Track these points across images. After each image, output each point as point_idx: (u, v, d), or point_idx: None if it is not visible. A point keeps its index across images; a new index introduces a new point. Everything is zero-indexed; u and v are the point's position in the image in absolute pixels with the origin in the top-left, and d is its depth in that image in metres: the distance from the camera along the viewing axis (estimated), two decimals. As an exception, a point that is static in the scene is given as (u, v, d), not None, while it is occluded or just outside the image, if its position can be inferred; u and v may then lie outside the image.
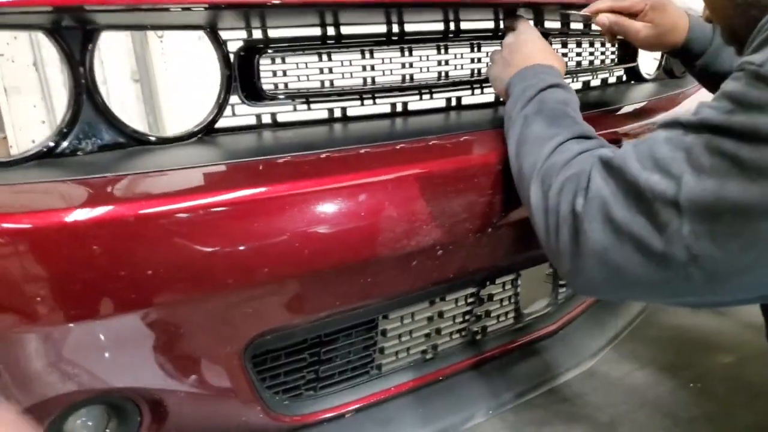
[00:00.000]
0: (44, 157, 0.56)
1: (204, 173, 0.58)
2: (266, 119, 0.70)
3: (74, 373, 0.58)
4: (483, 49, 0.84)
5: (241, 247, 0.56)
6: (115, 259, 0.51)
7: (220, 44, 0.64)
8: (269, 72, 0.69)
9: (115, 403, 0.65)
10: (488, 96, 0.87)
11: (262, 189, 0.57)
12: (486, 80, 0.85)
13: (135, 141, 0.61)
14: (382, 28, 0.75)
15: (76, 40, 0.55)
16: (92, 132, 0.58)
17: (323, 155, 0.64)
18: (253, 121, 0.70)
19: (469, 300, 0.89)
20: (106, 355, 0.58)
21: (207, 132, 0.66)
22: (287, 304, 0.63)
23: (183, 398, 0.64)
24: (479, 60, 0.85)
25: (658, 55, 1.24)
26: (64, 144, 0.57)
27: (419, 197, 0.65)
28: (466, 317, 0.90)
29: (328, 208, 0.59)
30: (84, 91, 0.56)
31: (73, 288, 0.51)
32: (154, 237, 0.52)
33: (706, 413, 0.92)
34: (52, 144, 0.56)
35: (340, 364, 0.80)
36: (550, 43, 0.83)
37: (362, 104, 0.76)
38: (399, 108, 0.79)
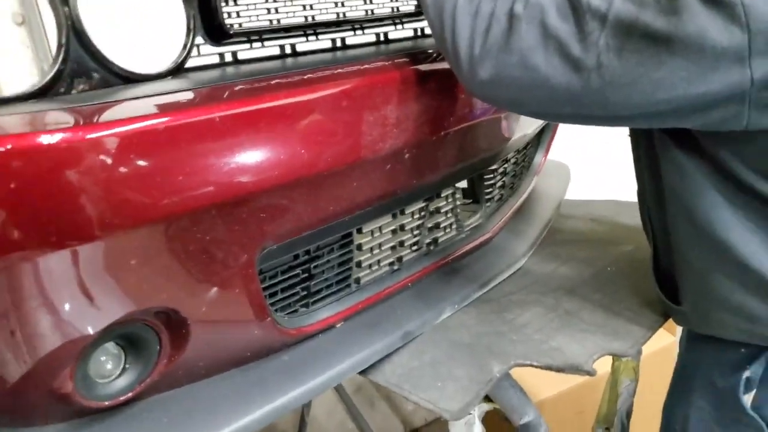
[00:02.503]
0: (39, 96, 0.59)
1: (197, 94, 0.64)
2: (228, 57, 0.76)
3: (100, 299, 0.61)
4: (399, -12, 0.96)
5: (243, 154, 0.63)
6: (145, 168, 0.55)
7: (181, -15, 0.70)
8: (226, 13, 0.75)
9: (134, 334, 0.68)
10: (408, 32, 0.99)
11: (251, 103, 0.65)
12: (403, 16, 0.97)
13: (118, 78, 0.64)
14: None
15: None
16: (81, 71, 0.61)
17: (294, 77, 0.72)
18: (216, 60, 0.75)
19: (422, 213, 1.00)
20: (132, 273, 0.61)
21: (178, 70, 0.71)
22: (290, 210, 0.70)
23: (203, 316, 0.69)
24: (397, -1, 0.96)
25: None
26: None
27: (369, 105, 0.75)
28: (421, 230, 1.01)
29: (317, 115, 0.68)
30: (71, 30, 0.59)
31: (101, 200, 0.55)
32: (176, 145, 0.57)
33: (619, 287, 1.11)
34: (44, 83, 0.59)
35: (326, 279, 0.87)
36: None
37: (307, 40, 0.84)
38: (338, 43, 0.88)
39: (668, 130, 0.75)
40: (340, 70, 0.77)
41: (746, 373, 0.78)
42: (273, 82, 0.72)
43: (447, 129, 0.88)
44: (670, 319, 0.97)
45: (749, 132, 0.65)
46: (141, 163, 0.57)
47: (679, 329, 1.03)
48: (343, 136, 0.74)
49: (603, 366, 0.96)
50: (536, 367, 0.91)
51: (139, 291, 0.64)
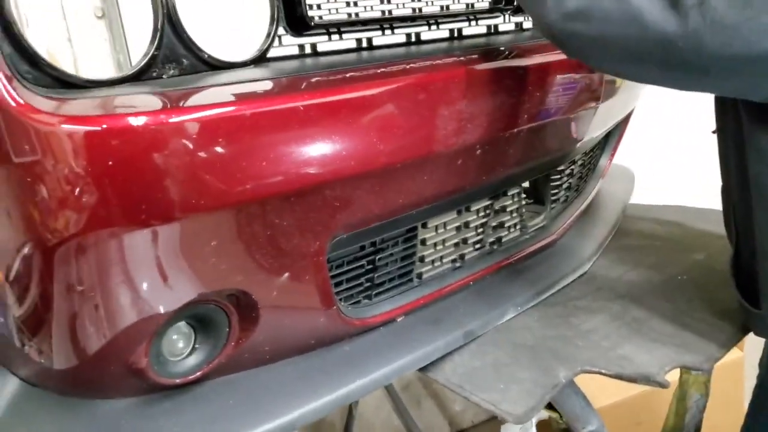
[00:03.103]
0: (133, 79, 0.61)
1: (276, 83, 0.65)
2: (308, 49, 0.77)
3: (176, 279, 0.63)
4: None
5: (320, 143, 0.64)
6: (227, 152, 0.57)
7: (266, -23, 0.71)
8: (308, 5, 0.76)
9: (206, 315, 0.70)
10: (481, 28, 0.98)
11: (337, 93, 0.66)
12: (477, 13, 0.96)
13: (206, 65, 0.66)
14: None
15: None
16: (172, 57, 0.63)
17: (371, 70, 0.72)
18: (296, 51, 0.77)
19: (486, 211, 0.99)
20: (207, 256, 0.63)
21: (261, 59, 0.73)
22: (362, 200, 0.71)
23: (272, 300, 0.70)
24: (471, -6, 0.95)
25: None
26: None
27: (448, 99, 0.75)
28: (485, 228, 1.00)
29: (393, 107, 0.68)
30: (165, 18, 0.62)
31: (183, 182, 0.57)
32: (260, 131, 0.59)
33: (692, 297, 1.06)
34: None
35: (390, 272, 0.88)
36: None
37: (383, 33, 0.84)
38: (413, 38, 0.88)
39: (757, 112, 0.71)
40: (415, 65, 0.77)
41: None
42: (350, 74, 0.72)
43: (519, 127, 0.87)
44: (740, 333, 0.93)
45: None
46: (221, 148, 0.59)
47: (748, 344, 0.98)
48: (417, 129, 0.74)
49: (671, 377, 0.92)
50: (605, 374, 0.88)
51: (213, 273, 0.65)
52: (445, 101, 0.75)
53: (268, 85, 0.65)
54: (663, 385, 0.85)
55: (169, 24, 0.61)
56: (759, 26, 0.58)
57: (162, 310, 0.65)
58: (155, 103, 0.57)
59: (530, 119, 0.87)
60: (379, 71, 0.74)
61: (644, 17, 0.62)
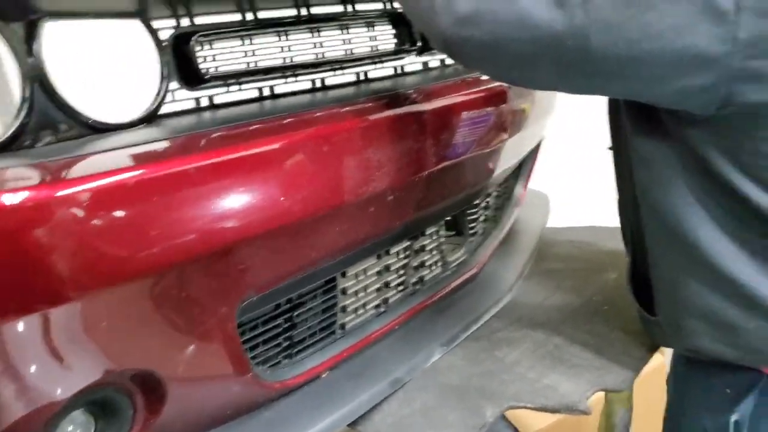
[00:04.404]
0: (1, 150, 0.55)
1: (171, 143, 0.61)
2: (204, 102, 0.74)
3: (69, 363, 0.57)
4: (377, 27, 0.95)
5: (224, 203, 0.60)
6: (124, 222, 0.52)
7: (153, 32, 0.67)
8: (201, 57, 0.72)
9: (106, 399, 0.64)
10: (388, 70, 0.98)
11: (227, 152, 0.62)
12: (383, 55, 0.96)
13: (88, 128, 0.61)
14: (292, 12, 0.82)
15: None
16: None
17: (274, 122, 0.70)
18: (192, 105, 0.73)
19: (406, 253, 0.98)
20: (103, 335, 0.57)
21: (152, 118, 0.68)
22: (272, 258, 0.67)
23: (180, 375, 0.65)
24: (375, 38, 0.95)
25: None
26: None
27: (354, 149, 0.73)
28: (406, 270, 0.99)
29: (295, 162, 0.65)
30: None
31: (71, 260, 0.51)
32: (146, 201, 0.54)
33: (608, 317, 1.09)
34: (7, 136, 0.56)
35: (311, 327, 0.84)
36: None
37: (285, 81, 0.82)
38: (318, 84, 0.86)
39: (636, 117, 0.73)
40: (319, 114, 0.75)
41: (734, 416, 0.76)
42: (250, 127, 0.69)
43: (429, 169, 0.86)
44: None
45: (725, 113, 0.63)
46: (111, 220, 0.54)
47: (668, 357, 1.02)
48: (324, 181, 0.71)
49: (597, 395, 0.94)
50: (530, 408, 0.88)
51: (111, 353, 0.60)
52: (352, 151, 0.74)
53: (155, 146, 0.61)
54: (585, 413, 0.86)
55: (40, 87, 0.56)
56: (641, 25, 0.60)
57: (53, 399, 0.58)
58: (21, 176, 0.51)
59: (440, 160, 0.87)
60: (280, 123, 0.71)
61: (533, 17, 0.62)
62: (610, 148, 0.92)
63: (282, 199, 0.67)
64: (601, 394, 1.23)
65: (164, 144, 0.63)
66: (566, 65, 0.65)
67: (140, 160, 0.58)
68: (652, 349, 1.00)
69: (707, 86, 0.62)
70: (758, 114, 0.64)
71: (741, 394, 0.76)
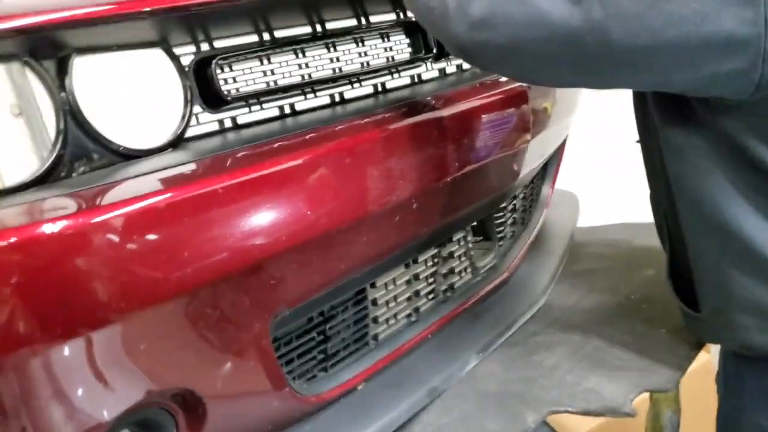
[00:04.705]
0: (39, 183, 0.58)
1: (198, 165, 0.63)
2: (228, 123, 0.75)
3: (112, 386, 0.58)
4: (392, 38, 0.96)
5: (252, 220, 0.61)
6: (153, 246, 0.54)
7: (175, 58, 0.69)
8: (222, 80, 0.74)
9: (149, 419, 0.65)
10: (404, 79, 0.98)
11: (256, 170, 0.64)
12: (399, 65, 0.96)
13: (119, 156, 0.63)
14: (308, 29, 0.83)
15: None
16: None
17: (296, 138, 0.71)
18: (216, 127, 0.74)
19: (435, 260, 0.98)
20: (144, 357, 0.59)
21: (178, 142, 0.70)
22: (301, 272, 0.68)
23: (219, 392, 0.66)
24: (391, 48, 0.96)
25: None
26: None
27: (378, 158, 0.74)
28: (435, 277, 0.99)
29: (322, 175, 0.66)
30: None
31: (109, 284, 0.53)
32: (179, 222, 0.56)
33: (647, 315, 1.06)
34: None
35: (344, 338, 0.84)
36: None
37: (305, 98, 0.83)
38: (337, 98, 0.87)
39: (667, 110, 0.71)
40: (339, 127, 0.76)
41: None
42: (273, 145, 0.70)
43: (452, 175, 0.86)
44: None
45: (759, 96, 0.61)
46: (145, 242, 0.56)
47: (714, 354, 0.99)
48: (348, 192, 0.72)
49: (643, 397, 0.92)
50: (572, 413, 0.86)
51: (152, 374, 0.61)
52: (374, 161, 0.74)
53: (183, 169, 0.62)
54: (630, 415, 0.84)
55: (73, 120, 0.58)
56: (661, 14, 0.59)
57: (99, 421, 0.59)
58: (61, 205, 0.53)
59: (462, 165, 0.87)
60: (302, 139, 0.72)
61: (549, 16, 0.62)
62: (638, 142, 0.90)
63: (308, 213, 0.68)
64: (647, 395, 1.21)
65: (191, 166, 0.64)
66: (587, 61, 0.64)
67: (169, 183, 0.60)
68: (698, 346, 0.96)
69: (739, 70, 0.61)
70: None
71: None
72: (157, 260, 0.56)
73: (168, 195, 0.57)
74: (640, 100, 0.84)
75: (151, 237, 0.55)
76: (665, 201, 0.85)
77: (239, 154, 0.68)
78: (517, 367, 0.95)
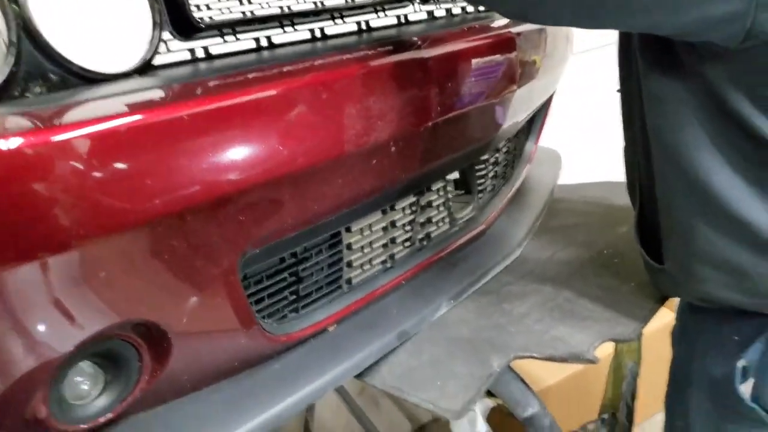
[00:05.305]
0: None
1: (167, 91, 0.60)
2: (200, 53, 0.72)
3: (72, 314, 0.57)
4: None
5: (222, 151, 0.59)
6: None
7: (144, -22, 0.65)
8: (195, 6, 0.70)
9: (112, 351, 0.64)
10: (391, 19, 0.95)
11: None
12: (385, 3, 0.92)
13: (79, 78, 0.60)
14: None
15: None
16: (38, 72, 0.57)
17: (272, 69, 0.68)
18: (187, 56, 0.71)
19: (412, 209, 0.97)
20: (105, 285, 0.57)
21: (145, 68, 0.67)
22: (272, 211, 0.66)
23: (184, 327, 0.65)
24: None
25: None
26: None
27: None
28: (412, 226, 0.98)
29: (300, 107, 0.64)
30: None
31: (68, 206, 0.51)
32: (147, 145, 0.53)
33: (618, 270, 1.08)
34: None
35: (317, 281, 0.84)
36: None
37: (284, 31, 0.80)
38: (317, 33, 0.84)
39: (651, 57, 0.71)
40: (319, 61, 0.73)
41: (741, 362, 0.75)
42: (248, 76, 0.67)
43: (433, 120, 0.84)
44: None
45: (748, 45, 0.60)
46: (106, 167, 0.53)
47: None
48: (325, 130, 0.70)
49: (606, 349, 0.93)
50: (537, 358, 0.88)
51: (114, 304, 0.60)
52: (352, 99, 0.72)
53: (151, 94, 0.59)
54: (593, 362, 0.85)
55: (26, 35, 0.55)
56: None
57: (57, 352, 0.58)
58: (14, 124, 0.50)
59: (444, 111, 0.85)
60: (279, 71, 0.69)
61: None
62: (619, 91, 0.89)
63: (281, 148, 0.65)
64: (611, 348, 1.23)
65: (158, 92, 0.61)
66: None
67: (134, 107, 0.57)
68: (661, 300, 0.98)
69: (732, 14, 0.60)
70: None
71: (749, 340, 0.75)
72: (118, 187, 0.54)
73: (132, 119, 0.55)
74: (625, 47, 0.82)
75: (112, 161, 0.53)
76: (641, 152, 0.85)
77: (210, 83, 0.65)
78: (488, 315, 0.96)
